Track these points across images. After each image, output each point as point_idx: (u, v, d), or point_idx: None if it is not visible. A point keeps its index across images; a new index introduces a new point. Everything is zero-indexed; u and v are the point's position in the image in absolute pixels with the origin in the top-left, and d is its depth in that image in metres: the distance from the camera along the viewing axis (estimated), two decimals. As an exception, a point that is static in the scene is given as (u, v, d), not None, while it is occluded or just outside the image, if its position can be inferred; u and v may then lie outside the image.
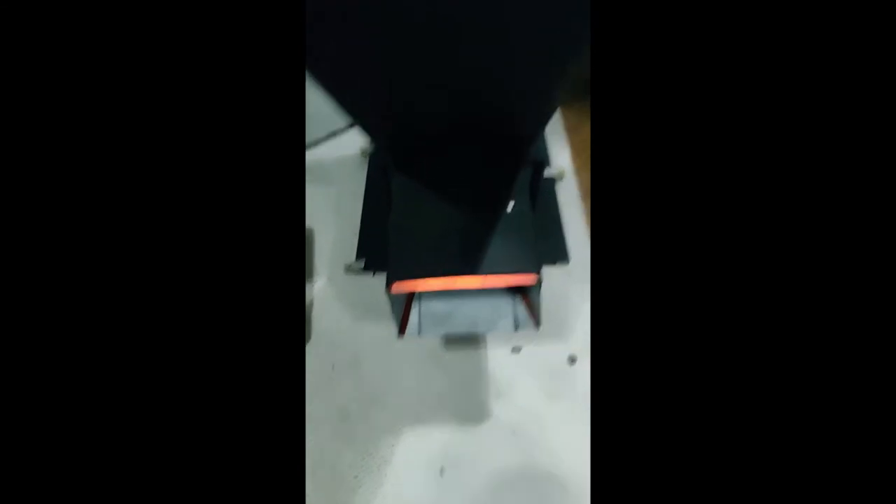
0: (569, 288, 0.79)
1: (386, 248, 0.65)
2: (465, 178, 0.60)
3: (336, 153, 1.00)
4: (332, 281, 0.85)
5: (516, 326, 0.63)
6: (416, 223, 0.60)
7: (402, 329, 0.63)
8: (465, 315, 0.64)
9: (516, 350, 0.74)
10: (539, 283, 0.57)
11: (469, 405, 0.71)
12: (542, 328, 0.68)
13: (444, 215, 0.59)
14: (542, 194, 0.85)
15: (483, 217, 0.60)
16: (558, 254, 0.81)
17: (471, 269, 0.56)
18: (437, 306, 0.65)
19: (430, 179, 0.61)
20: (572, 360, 0.73)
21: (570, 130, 0.97)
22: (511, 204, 0.61)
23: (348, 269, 0.85)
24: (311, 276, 0.87)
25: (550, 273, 0.80)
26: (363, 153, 0.97)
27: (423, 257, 0.58)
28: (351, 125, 1.02)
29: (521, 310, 0.64)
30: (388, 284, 0.58)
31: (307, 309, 0.83)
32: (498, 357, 0.74)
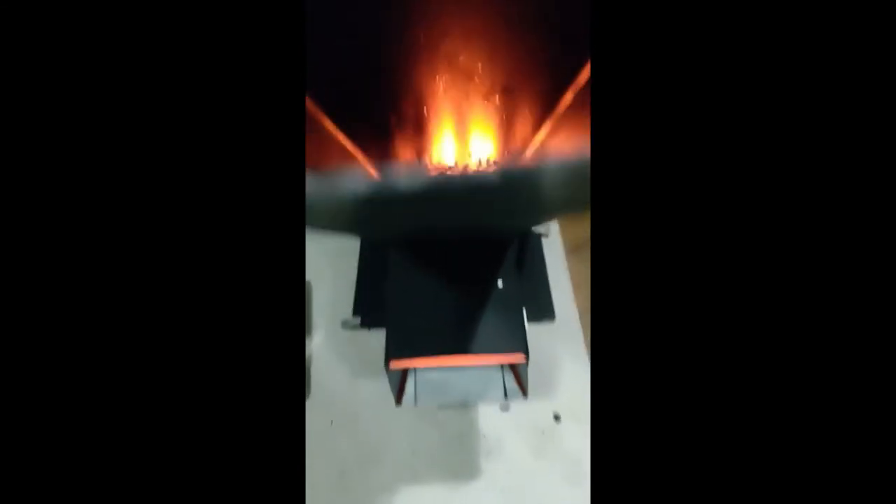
0: (554, 345, 0.84)
1: (382, 305, 0.69)
2: (457, 263, 0.65)
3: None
4: (330, 336, 0.89)
5: (506, 396, 0.68)
6: (412, 304, 0.65)
7: (398, 399, 0.68)
8: (458, 386, 0.69)
9: (505, 408, 0.79)
10: (527, 358, 0.62)
11: (461, 462, 0.75)
12: (528, 385, 0.73)
13: (438, 296, 0.64)
14: (529, 252, 0.90)
15: (474, 298, 0.64)
16: (544, 311, 0.86)
17: (463, 349, 0.61)
18: (432, 376, 0.70)
19: (425, 264, 0.66)
20: (556, 417, 0.78)
21: (556, 185, 1.02)
22: (500, 282, 0.66)
23: (345, 324, 0.89)
24: (310, 330, 0.90)
25: (536, 330, 0.85)
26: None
27: (419, 338, 0.62)
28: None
29: (511, 380, 0.69)
30: (387, 362, 0.63)
31: (306, 364, 0.87)
32: (488, 414, 0.79)
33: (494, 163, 0.65)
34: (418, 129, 0.48)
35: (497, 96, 0.40)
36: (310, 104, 0.40)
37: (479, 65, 0.35)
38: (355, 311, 0.89)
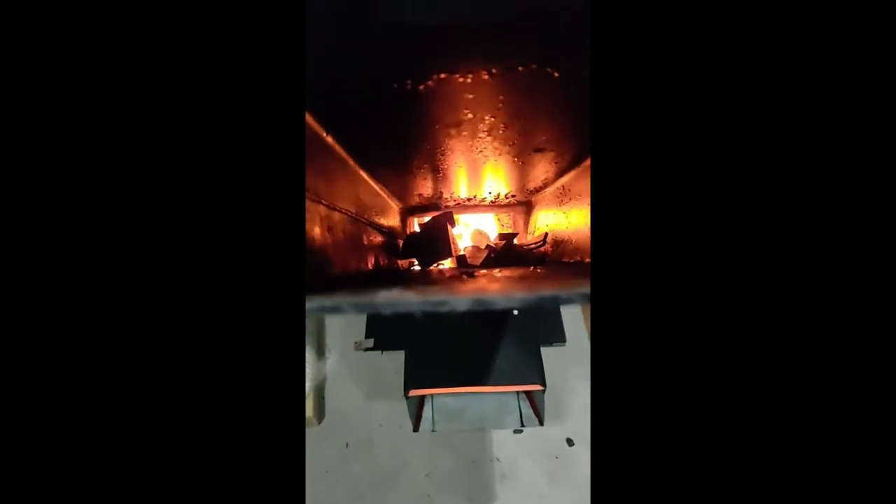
0: (565, 368, 0.86)
1: (395, 327, 0.70)
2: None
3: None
4: (344, 358, 0.90)
5: (522, 424, 0.69)
6: (430, 333, 0.66)
7: (416, 426, 0.69)
8: (475, 412, 0.70)
9: (519, 431, 0.80)
10: (544, 388, 0.64)
11: (476, 487, 0.77)
12: (541, 408, 0.75)
13: (455, 325, 0.66)
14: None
15: (491, 327, 0.66)
16: (555, 335, 0.87)
17: (481, 381, 0.62)
18: (449, 402, 0.71)
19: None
20: (570, 442, 0.79)
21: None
22: (515, 310, 0.68)
23: (358, 346, 0.90)
24: (323, 352, 0.92)
25: (547, 354, 0.87)
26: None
27: (438, 368, 0.64)
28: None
29: (526, 406, 0.70)
30: (406, 391, 0.64)
31: (321, 386, 0.88)
32: (502, 437, 0.80)
33: (512, 196, 0.67)
34: (444, 175, 0.50)
35: (528, 155, 0.42)
36: (353, 163, 0.41)
37: (517, 136, 0.37)
38: (368, 334, 0.90)
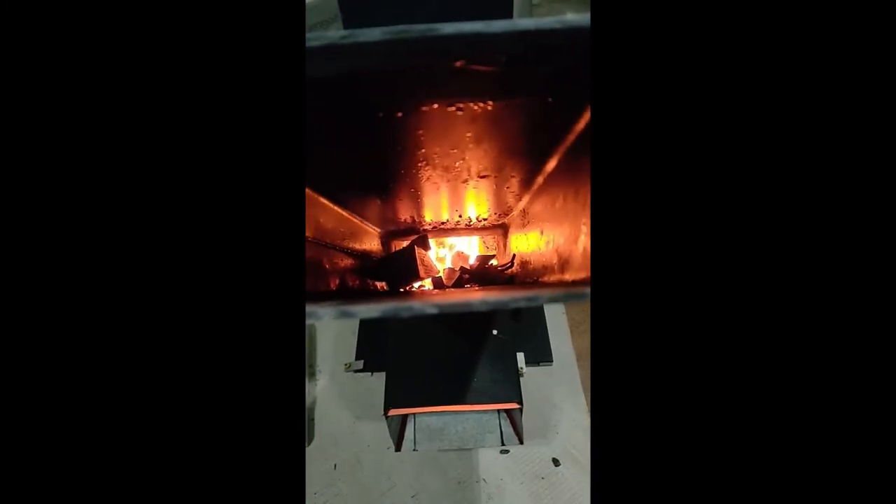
0: (552, 389, 0.86)
1: (384, 349, 0.72)
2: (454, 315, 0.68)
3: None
4: (334, 379, 0.92)
5: (502, 441, 0.70)
6: (410, 353, 0.68)
7: (398, 446, 0.70)
8: (456, 431, 0.71)
9: (505, 451, 0.80)
10: (521, 406, 0.65)
11: (462, 508, 0.77)
12: (528, 429, 0.75)
13: (435, 345, 0.67)
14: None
15: (470, 346, 0.67)
16: (542, 355, 0.88)
17: (458, 400, 0.63)
18: (431, 421, 0.72)
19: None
20: (556, 462, 0.79)
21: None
22: (494, 332, 0.69)
23: (348, 367, 0.91)
24: (314, 374, 0.93)
25: (534, 374, 0.87)
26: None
27: (417, 387, 0.65)
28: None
29: (507, 425, 0.71)
30: (386, 411, 0.65)
31: (311, 408, 0.89)
32: (488, 457, 0.80)
33: (484, 219, 0.69)
34: (419, 201, 0.53)
35: (483, 180, 0.44)
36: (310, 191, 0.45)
37: (472, 167, 0.39)
38: (358, 355, 0.92)
